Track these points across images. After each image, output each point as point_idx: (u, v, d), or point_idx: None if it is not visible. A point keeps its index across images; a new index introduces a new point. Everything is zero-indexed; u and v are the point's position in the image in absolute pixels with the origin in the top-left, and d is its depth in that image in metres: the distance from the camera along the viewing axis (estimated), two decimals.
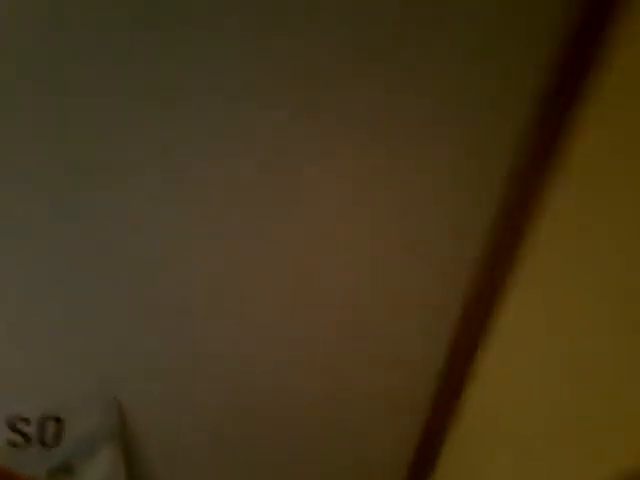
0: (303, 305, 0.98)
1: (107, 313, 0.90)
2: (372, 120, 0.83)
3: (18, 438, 0.93)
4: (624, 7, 0.73)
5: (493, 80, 0.82)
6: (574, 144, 0.81)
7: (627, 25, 0.73)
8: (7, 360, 0.89)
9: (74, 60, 0.71)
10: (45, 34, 0.69)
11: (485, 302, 0.97)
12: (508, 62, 0.81)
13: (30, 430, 0.94)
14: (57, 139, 0.76)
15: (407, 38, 0.78)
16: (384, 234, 0.93)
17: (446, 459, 1.14)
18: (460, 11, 0.77)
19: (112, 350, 0.94)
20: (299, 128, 0.81)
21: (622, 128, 0.73)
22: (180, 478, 1.12)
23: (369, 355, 1.06)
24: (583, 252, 0.78)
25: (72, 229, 0.82)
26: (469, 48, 0.79)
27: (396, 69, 0.80)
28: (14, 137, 0.75)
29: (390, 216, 0.91)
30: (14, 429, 0.93)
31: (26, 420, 0.93)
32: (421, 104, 0.82)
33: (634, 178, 0.69)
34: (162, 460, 1.10)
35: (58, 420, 0.95)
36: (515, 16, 0.78)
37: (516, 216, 0.91)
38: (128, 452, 1.04)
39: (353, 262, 0.94)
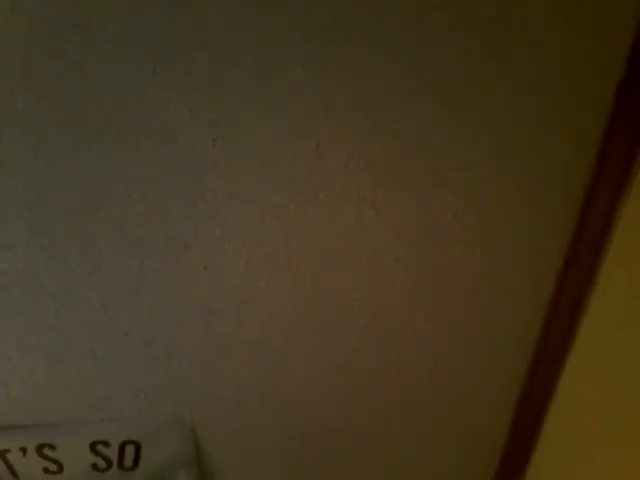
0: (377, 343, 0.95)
1: (186, 346, 0.89)
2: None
3: (100, 461, 0.95)
4: None
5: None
6: None
7: None
8: (92, 388, 0.90)
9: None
10: None
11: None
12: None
13: (110, 454, 0.95)
14: None
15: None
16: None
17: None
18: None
19: (190, 379, 0.93)
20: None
21: None
22: None
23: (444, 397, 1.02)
24: None
25: (152, 266, 0.81)
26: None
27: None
28: None
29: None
30: (96, 452, 0.94)
31: (107, 444, 0.94)
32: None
33: None
34: None
35: (137, 445, 0.96)
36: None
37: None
38: (204, 477, 1.04)
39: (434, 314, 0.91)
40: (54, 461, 0.93)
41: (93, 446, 0.94)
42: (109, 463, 0.96)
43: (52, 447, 0.92)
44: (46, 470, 0.94)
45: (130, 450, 0.96)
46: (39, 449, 0.91)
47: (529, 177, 0.83)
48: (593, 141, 0.81)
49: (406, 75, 0.72)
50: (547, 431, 1.05)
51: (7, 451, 0.91)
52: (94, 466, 0.95)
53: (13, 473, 0.93)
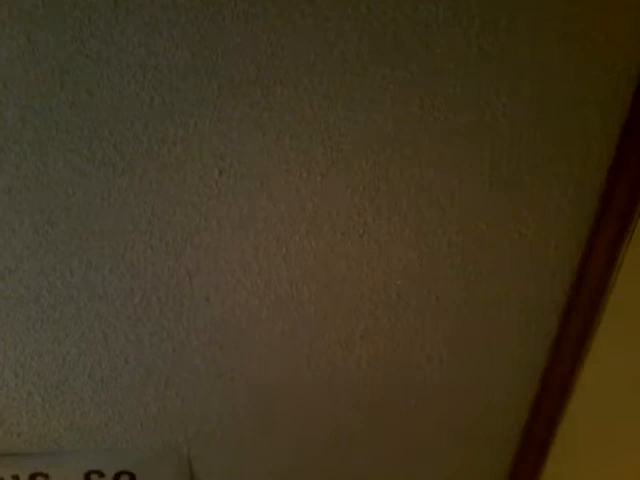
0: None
1: (185, 376, 0.88)
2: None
3: None
4: None
5: None
6: None
7: None
8: (87, 418, 0.89)
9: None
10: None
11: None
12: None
13: None
14: None
15: None
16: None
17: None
18: None
19: (187, 409, 0.92)
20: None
21: None
22: None
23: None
24: None
25: (154, 295, 0.81)
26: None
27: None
28: None
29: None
30: None
31: (101, 474, 0.93)
32: None
33: None
34: None
35: (132, 476, 0.94)
36: None
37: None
38: None
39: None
40: None
41: (87, 476, 0.92)
42: None
43: (46, 476, 0.91)
44: None
45: None
46: (32, 478, 0.90)
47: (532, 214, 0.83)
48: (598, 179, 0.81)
49: (415, 112, 0.73)
50: (561, 436, 1.03)
51: None
52: None
53: None
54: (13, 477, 0.90)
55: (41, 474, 0.90)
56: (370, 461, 1.09)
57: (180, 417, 0.93)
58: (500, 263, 0.86)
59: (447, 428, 1.08)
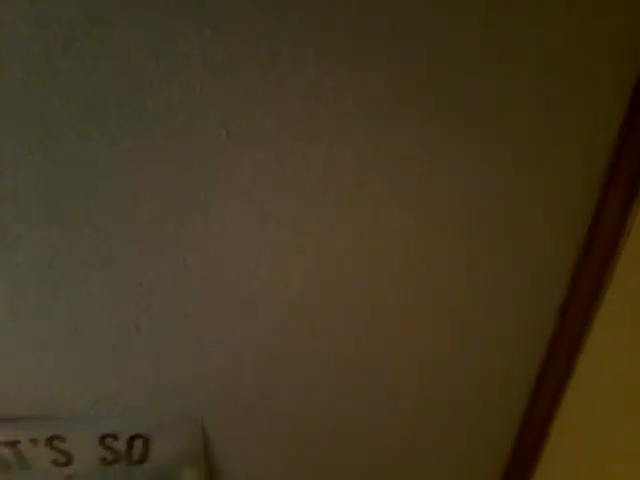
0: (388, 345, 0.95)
1: (196, 344, 0.89)
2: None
3: (108, 454, 0.96)
4: None
5: None
6: None
7: None
8: (101, 384, 0.91)
9: None
10: None
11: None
12: None
13: (119, 447, 0.96)
14: None
15: None
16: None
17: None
18: None
19: (199, 376, 0.94)
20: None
21: None
22: None
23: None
24: None
25: (162, 261, 0.81)
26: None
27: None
28: None
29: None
30: (105, 446, 0.95)
31: (116, 437, 0.95)
32: None
33: None
34: None
35: (146, 439, 0.96)
36: None
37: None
38: (211, 475, 1.05)
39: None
40: (64, 453, 0.94)
41: (102, 439, 0.94)
42: (118, 456, 0.97)
43: (62, 439, 0.93)
44: (55, 462, 0.95)
45: (138, 444, 0.96)
46: (49, 441, 0.92)
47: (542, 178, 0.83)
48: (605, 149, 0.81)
49: (413, 78, 0.72)
50: (554, 436, 1.05)
51: (17, 442, 0.91)
52: (103, 459, 0.96)
53: (23, 464, 0.94)
54: (31, 440, 0.92)
55: (58, 437, 0.92)
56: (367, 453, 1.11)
57: (193, 383, 0.94)
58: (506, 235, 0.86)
59: (442, 426, 1.10)
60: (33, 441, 0.92)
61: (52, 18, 0.63)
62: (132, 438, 0.96)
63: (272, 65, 0.69)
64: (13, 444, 0.92)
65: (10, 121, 0.69)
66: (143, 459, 0.98)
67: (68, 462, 0.95)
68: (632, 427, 0.84)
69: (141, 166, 0.73)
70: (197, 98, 0.70)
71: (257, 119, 0.72)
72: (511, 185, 0.83)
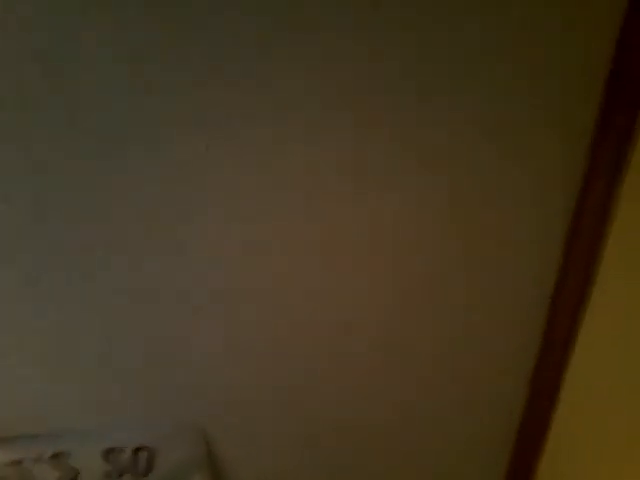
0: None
1: (197, 350, 0.90)
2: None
3: (114, 468, 0.95)
4: None
5: None
6: None
7: None
8: (102, 397, 0.91)
9: None
10: None
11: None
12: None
13: (124, 460, 0.95)
14: None
15: None
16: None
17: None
18: None
19: (200, 383, 0.94)
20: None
21: None
22: None
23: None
24: None
25: (164, 263, 0.82)
26: None
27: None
28: None
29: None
30: (110, 460, 0.95)
31: (120, 451, 0.95)
32: None
33: None
34: None
35: (150, 451, 0.96)
36: None
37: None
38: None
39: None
40: (68, 469, 0.93)
41: (106, 453, 0.94)
42: (123, 470, 0.96)
43: (66, 456, 0.92)
44: (60, 479, 0.94)
45: (143, 456, 0.96)
46: (53, 458, 0.92)
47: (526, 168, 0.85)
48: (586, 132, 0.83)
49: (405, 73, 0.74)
50: (556, 430, 1.06)
51: (22, 461, 0.91)
52: (108, 473, 0.95)
53: None
54: (34, 459, 0.91)
55: (62, 453, 0.92)
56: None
57: (196, 393, 0.95)
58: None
59: (443, 423, 1.12)
60: (37, 459, 0.92)
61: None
62: (137, 450, 0.96)
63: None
64: (17, 463, 0.91)
65: None
66: (149, 471, 0.98)
67: (73, 478, 0.95)
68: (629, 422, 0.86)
69: (123, 179, 0.75)
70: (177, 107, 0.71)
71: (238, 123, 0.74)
72: (495, 177, 0.85)
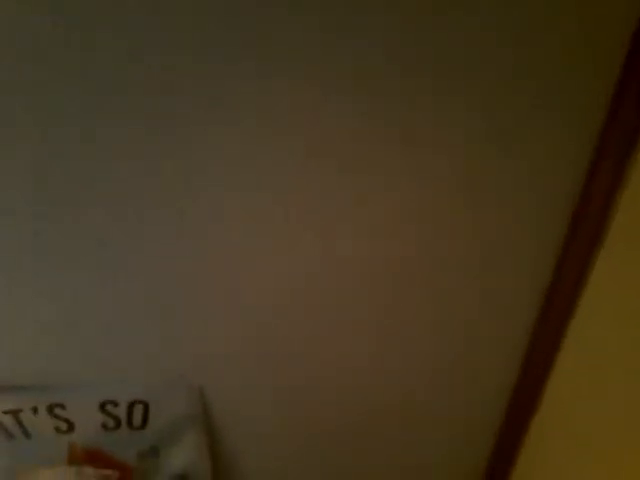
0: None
1: (192, 305, 0.90)
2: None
3: (109, 421, 0.97)
4: None
5: None
6: None
7: None
8: (99, 351, 0.92)
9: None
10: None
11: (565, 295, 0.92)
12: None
13: (120, 413, 0.97)
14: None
15: None
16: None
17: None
18: None
19: (196, 338, 0.95)
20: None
21: None
22: (263, 463, 1.14)
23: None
24: None
25: (167, 232, 0.82)
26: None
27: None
28: None
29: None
30: (106, 412, 0.96)
31: (116, 403, 0.96)
32: None
33: None
34: (244, 446, 1.11)
35: (145, 405, 0.98)
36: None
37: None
38: (212, 437, 1.07)
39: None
40: (65, 420, 0.95)
41: (102, 406, 0.96)
42: (118, 422, 0.98)
43: (62, 407, 0.94)
44: (57, 429, 0.96)
45: (138, 410, 0.98)
46: (50, 409, 0.94)
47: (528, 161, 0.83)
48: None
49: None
50: (535, 429, 1.07)
51: (19, 411, 0.93)
52: (104, 425, 0.97)
53: (25, 432, 0.95)
54: (32, 409, 0.93)
55: (58, 405, 0.94)
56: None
57: (189, 348, 0.96)
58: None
59: (427, 421, 1.13)
60: (34, 409, 0.93)
61: None
62: (132, 404, 0.97)
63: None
64: (15, 413, 0.93)
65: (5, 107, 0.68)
66: (144, 424, 1.00)
67: (70, 429, 0.97)
68: (613, 427, 0.85)
69: (124, 149, 0.73)
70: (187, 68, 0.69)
71: (247, 95, 0.72)
72: (496, 166, 0.83)
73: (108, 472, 1.02)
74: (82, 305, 0.87)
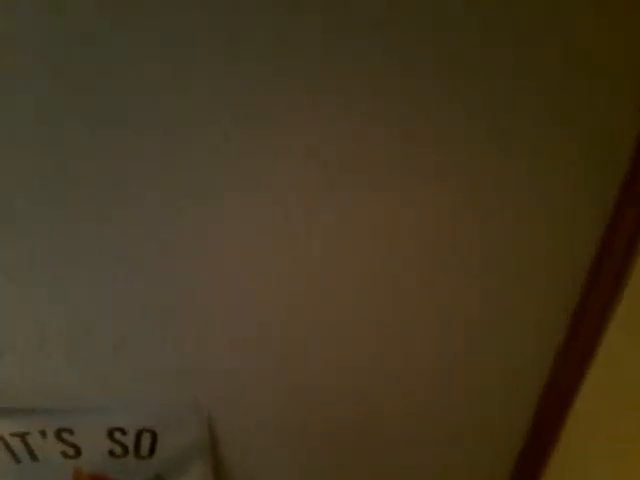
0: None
1: (201, 332, 0.89)
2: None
3: (117, 448, 0.96)
4: None
5: None
6: None
7: None
8: (109, 376, 0.91)
9: None
10: None
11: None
12: None
13: (127, 441, 0.96)
14: None
15: None
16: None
17: None
18: None
19: (205, 367, 0.93)
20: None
21: None
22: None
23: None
24: None
25: (169, 244, 0.81)
26: None
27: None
28: None
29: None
30: (113, 439, 0.95)
31: (124, 431, 0.95)
32: None
33: None
34: (251, 476, 1.09)
35: (153, 433, 0.96)
36: None
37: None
38: (218, 468, 1.05)
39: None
40: (72, 445, 0.94)
41: (111, 433, 0.94)
42: (126, 450, 0.97)
43: (70, 432, 0.93)
44: (64, 454, 0.95)
45: (146, 438, 0.97)
46: (58, 433, 0.93)
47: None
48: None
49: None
50: (568, 430, 1.02)
51: (27, 434, 0.92)
52: (111, 452, 0.96)
53: (32, 455, 0.95)
54: (40, 432, 0.93)
55: (66, 430, 0.93)
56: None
57: (201, 377, 0.94)
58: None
59: (451, 423, 1.09)
60: (42, 433, 0.93)
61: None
62: (140, 432, 0.96)
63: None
64: (23, 436, 0.92)
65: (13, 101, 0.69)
66: (151, 453, 0.98)
67: (77, 454, 0.96)
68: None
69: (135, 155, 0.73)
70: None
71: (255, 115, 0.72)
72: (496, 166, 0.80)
73: None
74: (90, 329, 0.86)
